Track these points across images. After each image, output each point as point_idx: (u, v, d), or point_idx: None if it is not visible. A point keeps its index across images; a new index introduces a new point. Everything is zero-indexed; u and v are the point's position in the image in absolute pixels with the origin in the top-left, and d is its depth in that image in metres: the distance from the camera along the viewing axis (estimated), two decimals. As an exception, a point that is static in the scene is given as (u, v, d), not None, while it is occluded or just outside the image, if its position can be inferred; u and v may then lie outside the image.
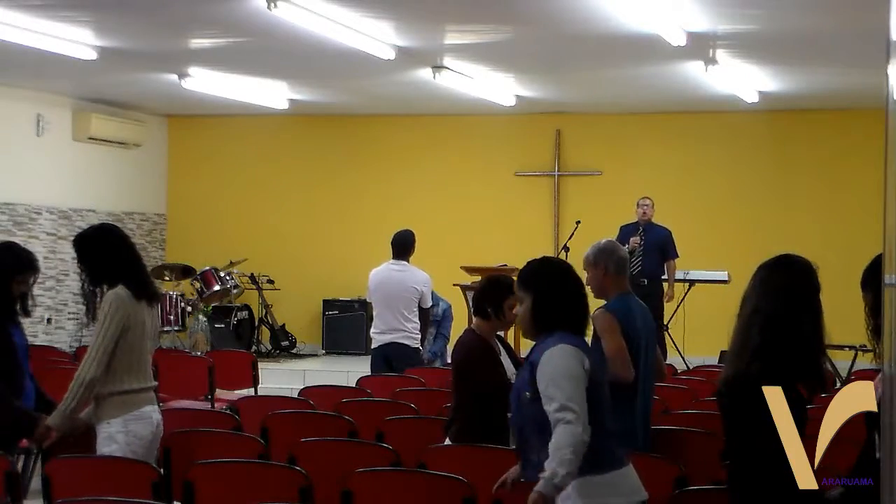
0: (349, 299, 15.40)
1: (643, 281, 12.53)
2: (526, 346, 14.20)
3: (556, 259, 4.52)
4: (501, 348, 6.18)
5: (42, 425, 5.46)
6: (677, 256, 12.94)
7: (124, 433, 5.39)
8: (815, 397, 4.51)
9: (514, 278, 6.56)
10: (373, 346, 9.67)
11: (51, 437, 5.46)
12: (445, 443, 5.95)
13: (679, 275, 13.28)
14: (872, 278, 3.89)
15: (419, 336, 9.56)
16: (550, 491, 4.02)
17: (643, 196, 13.11)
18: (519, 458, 4.41)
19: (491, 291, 6.11)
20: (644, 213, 12.96)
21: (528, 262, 4.56)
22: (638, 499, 4.28)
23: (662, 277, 12.95)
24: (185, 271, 14.81)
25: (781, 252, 4.32)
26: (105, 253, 5.58)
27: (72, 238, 5.90)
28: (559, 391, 4.11)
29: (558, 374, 4.16)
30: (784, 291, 3.98)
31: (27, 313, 5.91)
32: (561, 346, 4.21)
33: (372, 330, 9.70)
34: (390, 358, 9.42)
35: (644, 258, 12.79)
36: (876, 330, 3.78)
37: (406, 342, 9.43)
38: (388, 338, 9.46)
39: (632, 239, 12.64)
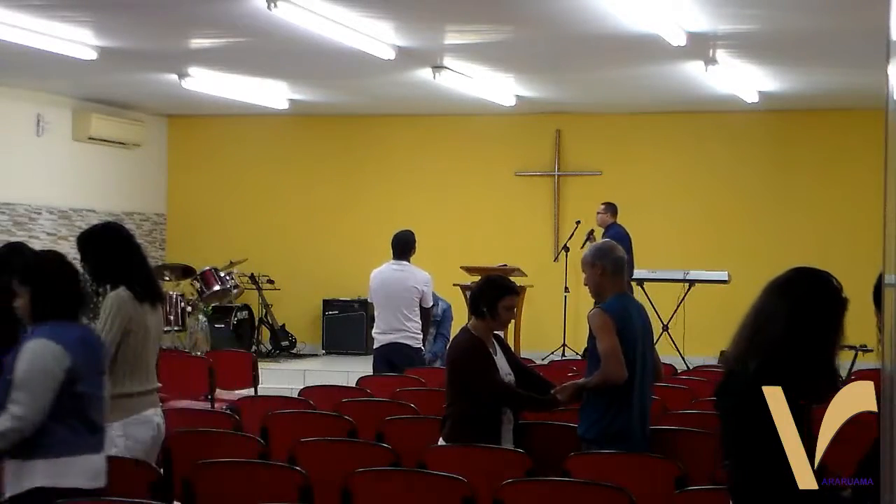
0: (349, 299, 15.39)
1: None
2: (525, 347, 14.15)
3: (50, 252, 4.93)
4: (498, 348, 6.18)
5: None
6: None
7: (123, 437, 5.36)
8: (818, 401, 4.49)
9: (512, 279, 6.62)
10: (374, 346, 9.67)
11: None
12: (439, 442, 5.96)
13: (679, 275, 13.27)
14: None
15: (421, 336, 9.56)
16: None
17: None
18: None
19: (486, 291, 6.13)
20: (596, 220, 13.11)
21: (28, 259, 4.90)
22: (94, 484, 4.54)
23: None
24: (185, 271, 14.80)
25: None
26: (109, 252, 5.53)
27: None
28: (19, 382, 4.40)
29: (27, 367, 4.43)
30: (791, 301, 3.95)
31: None
32: (43, 341, 4.47)
33: (374, 330, 9.70)
34: (392, 358, 9.42)
35: None
36: None
37: (407, 342, 9.43)
38: (389, 338, 9.46)
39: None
